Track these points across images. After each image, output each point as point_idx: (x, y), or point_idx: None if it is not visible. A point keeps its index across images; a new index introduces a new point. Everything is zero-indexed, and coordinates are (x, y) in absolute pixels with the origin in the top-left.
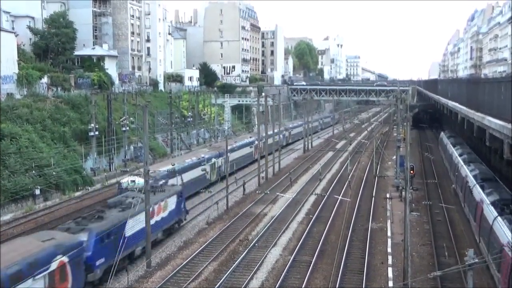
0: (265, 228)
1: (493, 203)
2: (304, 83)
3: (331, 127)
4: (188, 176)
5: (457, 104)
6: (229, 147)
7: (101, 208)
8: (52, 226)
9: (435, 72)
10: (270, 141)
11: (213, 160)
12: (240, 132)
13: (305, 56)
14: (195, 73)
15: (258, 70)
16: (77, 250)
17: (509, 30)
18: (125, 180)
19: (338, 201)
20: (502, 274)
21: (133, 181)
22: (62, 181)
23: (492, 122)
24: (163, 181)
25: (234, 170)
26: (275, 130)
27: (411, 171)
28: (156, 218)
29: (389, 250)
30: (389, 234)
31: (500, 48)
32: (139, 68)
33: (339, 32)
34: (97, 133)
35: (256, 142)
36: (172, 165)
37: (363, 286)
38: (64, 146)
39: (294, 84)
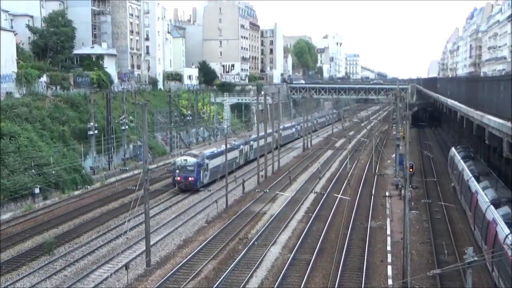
0: (264, 227)
1: None
2: (303, 81)
3: (335, 124)
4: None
5: (456, 103)
6: (253, 137)
7: None
8: (51, 225)
9: (435, 70)
10: (285, 133)
11: (241, 147)
12: (240, 131)
13: (304, 54)
14: (194, 72)
15: (257, 68)
16: None
17: (509, 28)
18: (179, 159)
19: (338, 199)
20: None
21: (185, 160)
22: (62, 180)
23: (492, 120)
24: (208, 161)
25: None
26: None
27: (410, 170)
28: None
29: (388, 248)
30: (388, 232)
31: (500, 46)
32: (138, 67)
33: (338, 31)
34: (96, 132)
35: (275, 133)
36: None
37: (363, 285)
38: (64, 145)
39: (293, 82)
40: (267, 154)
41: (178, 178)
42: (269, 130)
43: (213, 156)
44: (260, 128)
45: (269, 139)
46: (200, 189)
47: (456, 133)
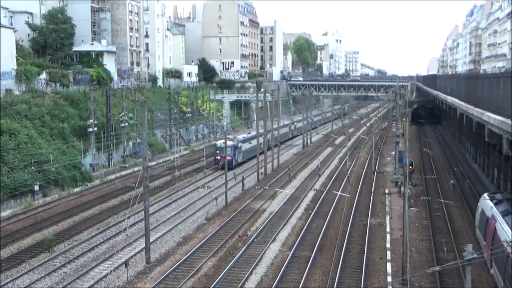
0: (264, 224)
1: None
2: (300, 78)
3: (337, 121)
4: (252, 143)
5: (456, 100)
6: (275, 127)
7: None
8: (51, 223)
9: (434, 67)
10: (299, 125)
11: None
12: (239, 128)
13: (304, 51)
14: (194, 69)
15: (257, 65)
16: None
17: (508, 25)
18: (218, 141)
19: (337, 196)
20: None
21: (224, 142)
22: (61, 177)
23: (491, 117)
24: (241, 144)
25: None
26: (301, 118)
27: (410, 167)
28: None
29: (388, 245)
30: (388, 229)
31: (499, 44)
32: (138, 64)
33: (338, 28)
34: (96, 129)
35: (291, 125)
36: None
37: (362, 282)
38: (63, 142)
39: (291, 79)
40: (266, 151)
41: (218, 158)
42: (288, 122)
43: (244, 140)
44: (260, 125)
45: (285, 130)
46: (236, 166)
47: (455, 130)
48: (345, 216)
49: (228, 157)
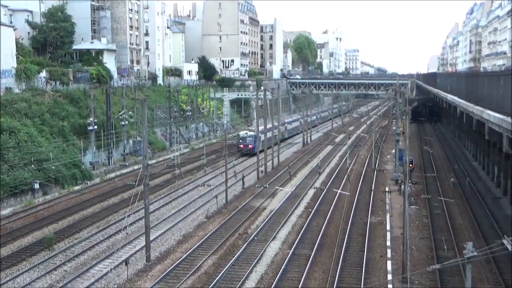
0: (264, 222)
1: None
2: (298, 76)
3: (338, 119)
4: (269, 135)
5: (456, 98)
6: (287, 120)
7: None
8: (51, 221)
9: (434, 65)
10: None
11: (280, 127)
12: (239, 126)
13: (304, 49)
14: (194, 67)
15: (257, 64)
16: None
17: (509, 23)
18: (242, 132)
19: (337, 195)
20: None
21: (247, 132)
22: (61, 175)
23: (491, 115)
24: (261, 134)
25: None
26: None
27: (410, 165)
28: None
29: (388, 243)
30: (388, 227)
31: (500, 42)
32: (138, 62)
33: (338, 26)
34: (96, 127)
35: (301, 119)
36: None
37: (362, 280)
38: (63, 140)
39: (291, 77)
40: (267, 149)
41: (241, 146)
42: (299, 116)
43: (263, 132)
44: (260, 123)
45: (297, 124)
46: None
47: (456, 128)
48: (345, 214)
49: (250, 146)
